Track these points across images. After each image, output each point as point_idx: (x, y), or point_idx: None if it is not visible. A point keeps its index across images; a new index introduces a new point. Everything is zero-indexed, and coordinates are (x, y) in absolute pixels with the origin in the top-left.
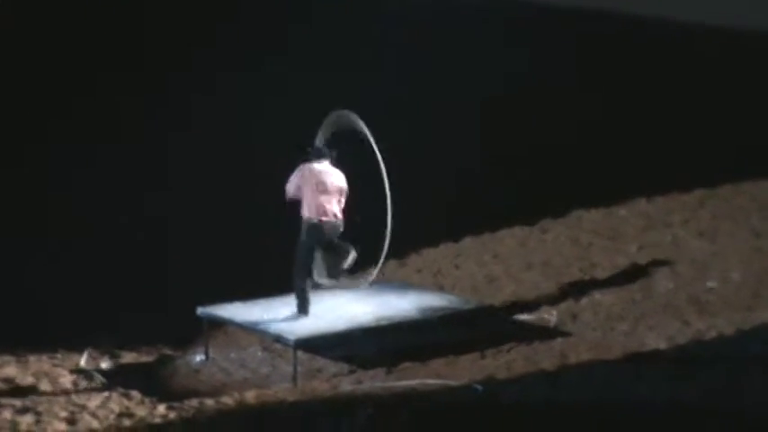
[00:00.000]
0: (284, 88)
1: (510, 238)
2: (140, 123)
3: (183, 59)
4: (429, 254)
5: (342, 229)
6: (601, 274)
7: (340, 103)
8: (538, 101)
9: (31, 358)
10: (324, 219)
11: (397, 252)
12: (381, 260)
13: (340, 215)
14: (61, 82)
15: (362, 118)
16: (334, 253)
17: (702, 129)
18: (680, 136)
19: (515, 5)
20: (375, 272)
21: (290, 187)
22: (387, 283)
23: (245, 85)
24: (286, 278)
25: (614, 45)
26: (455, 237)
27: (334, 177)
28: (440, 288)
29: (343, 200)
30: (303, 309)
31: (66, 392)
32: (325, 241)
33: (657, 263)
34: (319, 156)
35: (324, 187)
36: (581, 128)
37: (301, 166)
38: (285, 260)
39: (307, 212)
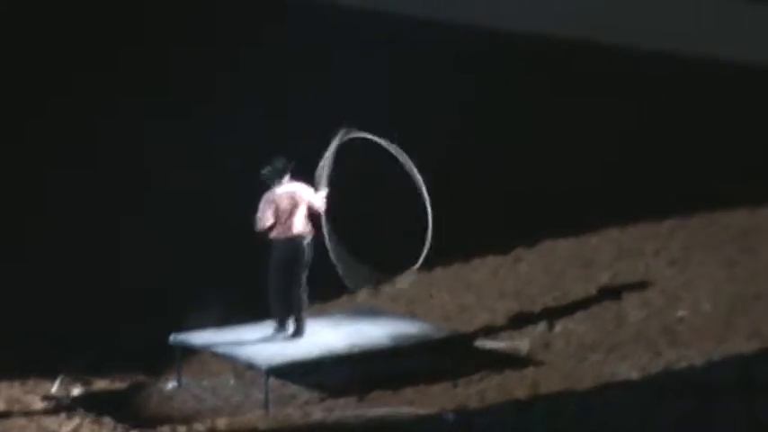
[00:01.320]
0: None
1: (483, 268)
2: (117, 146)
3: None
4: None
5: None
6: (573, 303)
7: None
8: (508, 130)
9: (3, 385)
10: (299, 236)
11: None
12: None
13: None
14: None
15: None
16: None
17: (674, 158)
18: (652, 166)
19: (478, 34)
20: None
21: (262, 217)
22: (359, 310)
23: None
24: (259, 304)
25: (583, 73)
26: (428, 266)
27: (302, 193)
28: (413, 317)
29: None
30: (300, 331)
31: (38, 419)
32: (300, 263)
33: (629, 292)
34: (280, 175)
35: (294, 205)
36: (552, 157)
37: (267, 195)
38: (259, 286)
39: (288, 232)
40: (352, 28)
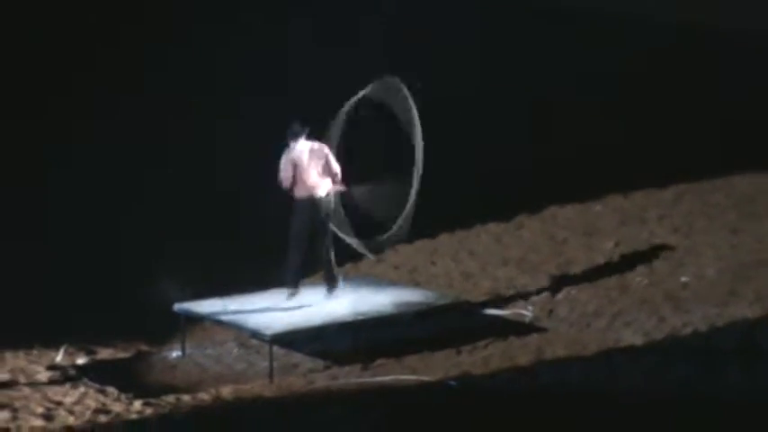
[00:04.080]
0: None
1: (486, 235)
2: (113, 119)
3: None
4: (405, 251)
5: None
6: (576, 269)
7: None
8: (516, 99)
9: (8, 354)
10: (319, 195)
11: (373, 249)
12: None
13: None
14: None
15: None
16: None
17: (678, 125)
18: (656, 132)
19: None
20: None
21: (285, 174)
22: (363, 278)
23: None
24: (262, 273)
25: (590, 42)
26: (431, 234)
27: (319, 150)
28: (416, 284)
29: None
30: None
31: (42, 389)
32: (321, 218)
33: (633, 259)
34: (296, 136)
35: (312, 161)
36: (557, 124)
37: (287, 153)
38: (263, 255)
39: (303, 191)
40: None
